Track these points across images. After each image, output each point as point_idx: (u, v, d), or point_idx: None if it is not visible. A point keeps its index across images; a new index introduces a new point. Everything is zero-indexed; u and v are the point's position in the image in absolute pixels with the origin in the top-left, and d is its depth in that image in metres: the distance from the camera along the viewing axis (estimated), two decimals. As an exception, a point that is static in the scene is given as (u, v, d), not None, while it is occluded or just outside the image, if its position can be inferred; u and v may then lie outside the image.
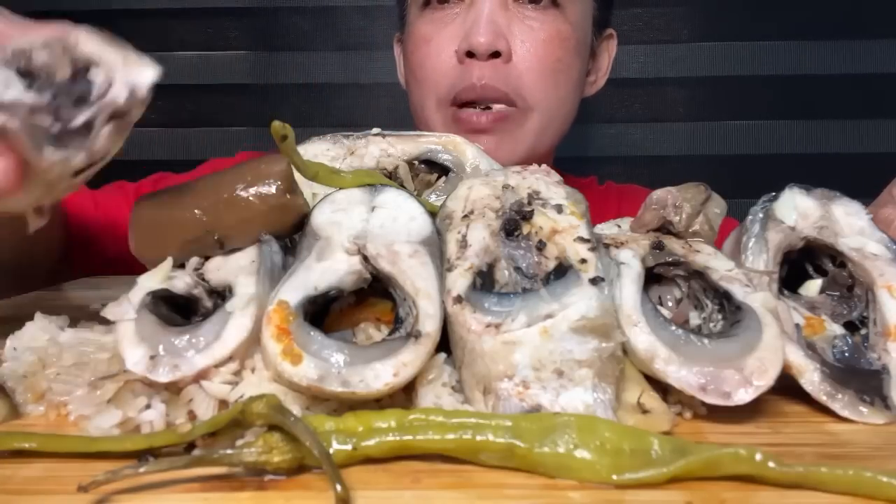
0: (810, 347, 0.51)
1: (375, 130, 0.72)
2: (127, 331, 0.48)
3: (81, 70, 0.48)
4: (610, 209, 1.20)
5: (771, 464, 0.38)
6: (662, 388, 0.48)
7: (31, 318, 0.60)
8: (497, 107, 1.01)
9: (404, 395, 0.48)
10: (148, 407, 0.46)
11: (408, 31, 1.10)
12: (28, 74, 0.47)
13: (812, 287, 0.57)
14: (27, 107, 0.45)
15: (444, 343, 0.49)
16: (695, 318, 0.53)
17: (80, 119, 0.47)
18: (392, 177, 0.69)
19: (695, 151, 1.71)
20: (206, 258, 0.53)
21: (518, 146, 1.04)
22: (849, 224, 0.57)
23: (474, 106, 1.01)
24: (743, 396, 0.46)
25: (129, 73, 0.49)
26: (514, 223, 0.53)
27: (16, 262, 0.87)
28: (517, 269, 0.51)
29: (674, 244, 0.56)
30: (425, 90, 1.05)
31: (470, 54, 0.99)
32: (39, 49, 0.47)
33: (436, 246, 0.52)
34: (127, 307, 0.49)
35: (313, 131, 0.75)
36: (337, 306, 0.52)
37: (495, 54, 0.98)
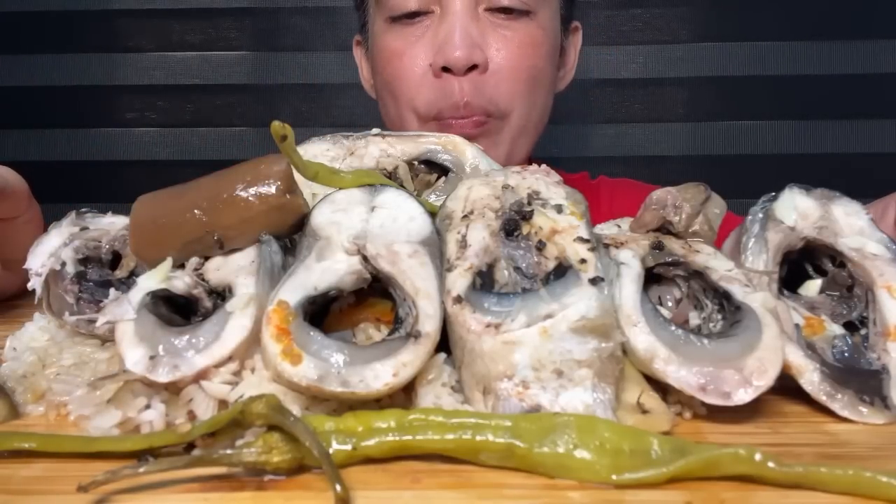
0: (810, 347, 0.51)
1: (375, 131, 0.72)
2: (126, 331, 0.48)
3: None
4: (602, 204, 1.20)
5: (770, 464, 0.38)
6: (662, 388, 0.48)
7: (30, 318, 0.60)
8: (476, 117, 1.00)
9: (404, 395, 0.48)
10: (148, 407, 0.46)
11: (374, 44, 1.08)
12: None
13: (812, 287, 0.57)
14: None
15: (444, 343, 0.49)
16: (694, 318, 0.53)
17: None
18: (392, 177, 0.69)
19: (695, 151, 1.71)
20: (206, 258, 0.53)
21: (498, 150, 1.03)
22: (848, 224, 0.57)
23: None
24: (742, 396, 0.46)
25: None
26: (513, 223, 0.53)
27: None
28: (517, 269, 0.51)
29: (673, 244, 0.56)
30: (402, 105, 1.03)
31: (446, 69, 0.97)
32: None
33: (435, 246, 0.52)
34: (126, 307, 0.49)
35: (313, 131, 0.75)
36: (337, 306, 0.52)
37: (472, 67, 0.97)
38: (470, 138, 0.99)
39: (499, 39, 1.00)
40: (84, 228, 0.61)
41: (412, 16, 1.01)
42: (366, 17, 1.11)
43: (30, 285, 0.59)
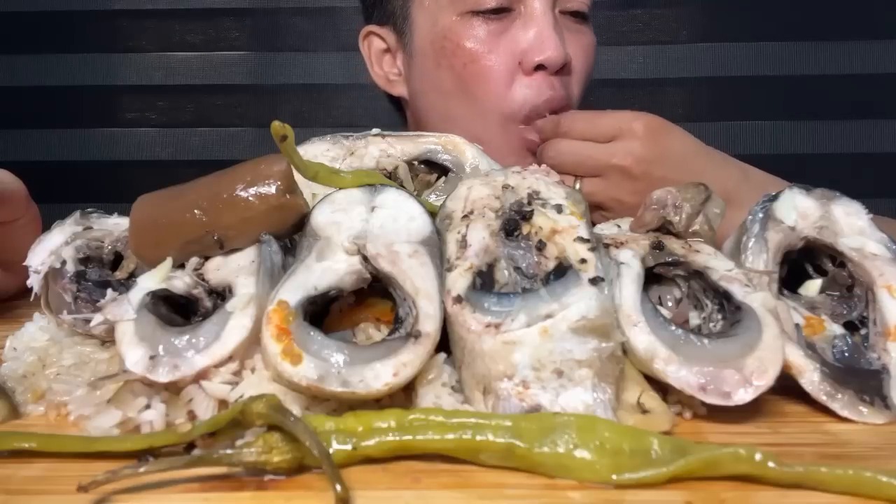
0: (810, 347, 0.51)
1: (375, 131, 0.72)
2: (127, 331, 0.48)
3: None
4: None
5: (771, 464, 0.38)
6: (662, 388, 0.48)
7: (30, 318, 0.60)
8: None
9: (404, 395, 0.48)
10: (148, 407, 0.46)
11: (445, 37, 1.02)
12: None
13: (812, 287, 0.57)
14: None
15: (444, 343, 0.49)
16: (695, 318, 0.53)
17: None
18: (392, 177, 0.69)
19: (695, 151, 1.70)
20: (206, 258, 0.53)
21: None
22: (849, 224, 0.57)
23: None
24: (743, 396, 0.46)
25: None
26: (513, 223, 0.53)
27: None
28: (517, 269, 0.51)
29: (674, 244, 0.56)
30: (488, 106, 1.00)
31: (539, 67, 0.97)
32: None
33: (436, 246, 0.52)
34: (126, 307, 0.49)
35: (313, 131, 0.75)
36: (337, 306, 0.52)
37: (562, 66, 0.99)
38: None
39: (571, 41, 1.01)
40: (88, 228, 0.61)
41: (496, 11, 0.99)
42: (407, 10, 1.05)
43: (29, 282, 0.59)
